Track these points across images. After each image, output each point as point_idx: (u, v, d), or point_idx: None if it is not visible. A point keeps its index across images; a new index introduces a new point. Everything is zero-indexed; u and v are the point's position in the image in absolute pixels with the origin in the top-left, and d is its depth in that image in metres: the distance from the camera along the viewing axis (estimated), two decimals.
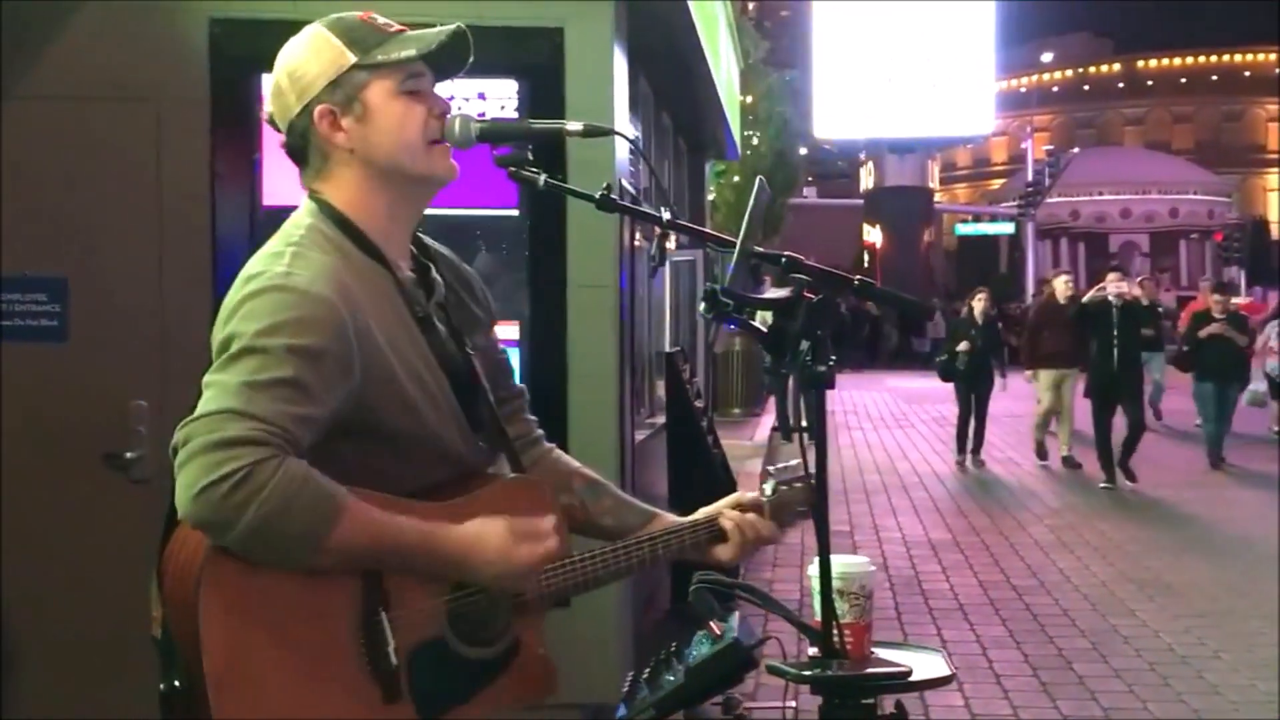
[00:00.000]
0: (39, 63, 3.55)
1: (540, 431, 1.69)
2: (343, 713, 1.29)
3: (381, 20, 1.48)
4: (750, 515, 1.62)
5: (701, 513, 1.63)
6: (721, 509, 1.63)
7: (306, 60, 1.45)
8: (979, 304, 10.38)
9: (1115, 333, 8.80)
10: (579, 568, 1.50)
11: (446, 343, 1.49)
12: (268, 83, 1.52)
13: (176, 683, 1.27)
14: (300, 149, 1.48)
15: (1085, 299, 9.38)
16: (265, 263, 1.39)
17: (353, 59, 1.43)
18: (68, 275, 3.53)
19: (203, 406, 1.28)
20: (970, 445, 10.31)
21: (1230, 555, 6.71)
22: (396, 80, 1.44)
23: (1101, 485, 8.95)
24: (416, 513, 1.36)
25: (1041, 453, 10.26)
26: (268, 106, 1.51)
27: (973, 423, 10.32)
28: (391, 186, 1.46)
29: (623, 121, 4.15)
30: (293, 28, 1.58)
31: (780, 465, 1.68)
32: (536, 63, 3.68)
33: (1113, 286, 9.06)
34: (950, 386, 10.66)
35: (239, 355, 1.30)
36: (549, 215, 3.69)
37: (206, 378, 1.32)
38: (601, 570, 1.52)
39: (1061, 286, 10.15)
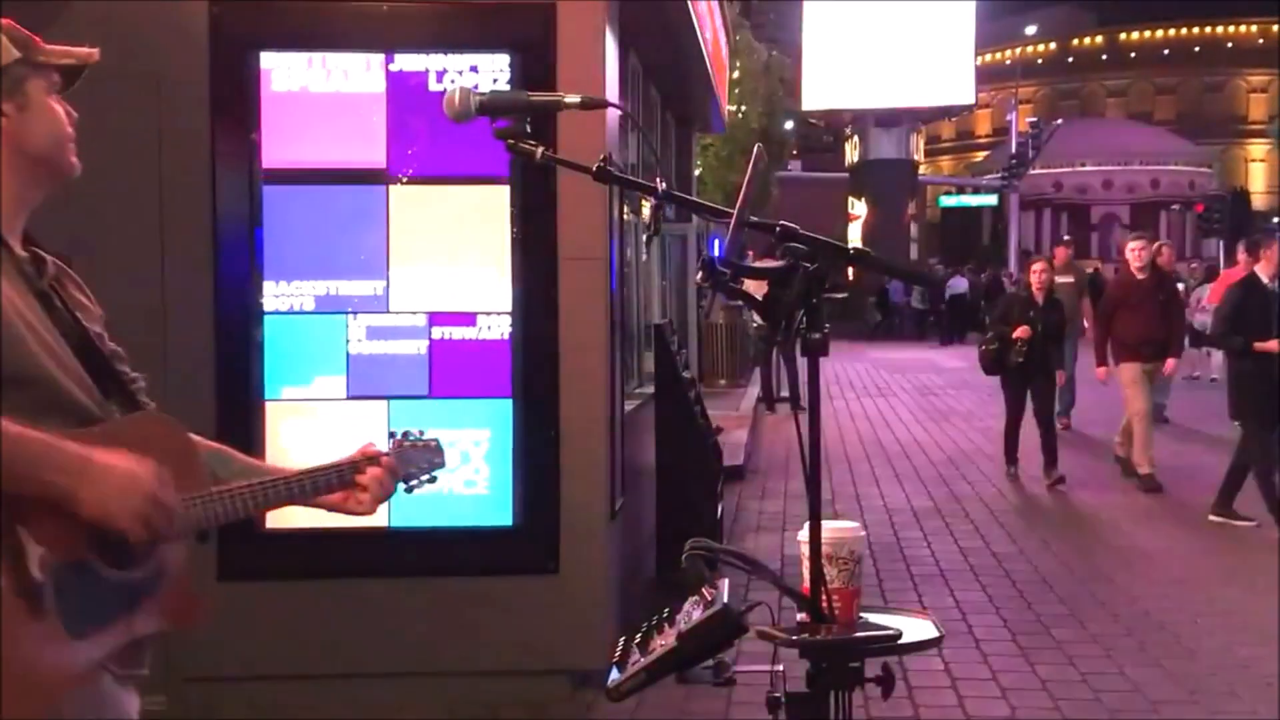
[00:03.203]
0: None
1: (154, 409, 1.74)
2: None
3: (25, 30, 1.58)
4: (378, 467, 1.70)
5: (334, 461, 1.70)
6: (357, 459, 1.70)
7: None
8: (1037, 276, 7.98)
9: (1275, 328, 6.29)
10: (214, 500, 1.56)
11: (65, 316, 1.56)
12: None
13: None
14: None
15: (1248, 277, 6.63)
16: None
17: (17, 54, 1.53)
18: (70, 252, 3.56)
19: None
20: (1043, 459, 7.87)
21: (1206, 523, 6.84)
22: (48, 82, 1.57)
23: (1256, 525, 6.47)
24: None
25: (1130, 469, 7.84)
26: None
27: (1035, 430, 7.92)
28: (27, 173, 1.54)
29: (614, 96, 4.19)
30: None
31: (407, 430, 1.80)
32: (529, 38, 3.71)
33: (1271, 261, 6.52)
34: (948, 362, 9.74)
35: None
36: (539, 188, 3.74)
37: None
38: (237, 502, 1.57)
39: (1134, 256, 7.77)
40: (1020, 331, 7.68)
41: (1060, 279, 8.81)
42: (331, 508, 1.71)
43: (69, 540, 1.41)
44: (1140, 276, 7.76)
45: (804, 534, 1.56)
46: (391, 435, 1.80)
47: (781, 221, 1.63)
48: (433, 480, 1.79)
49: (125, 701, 1.53)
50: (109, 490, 1.41)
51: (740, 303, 1.83)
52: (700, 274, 1.55)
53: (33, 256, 1.58)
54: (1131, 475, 7.83)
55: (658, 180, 1.64)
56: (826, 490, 7.89)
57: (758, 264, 1.68)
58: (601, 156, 1.63)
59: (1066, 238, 10.80)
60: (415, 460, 1.77)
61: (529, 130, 1.63)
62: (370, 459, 1.71)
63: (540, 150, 1.61)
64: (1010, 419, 8.17)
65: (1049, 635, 4.72)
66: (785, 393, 11.94)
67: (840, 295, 24.60)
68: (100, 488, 1.40)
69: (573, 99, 1.65)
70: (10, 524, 1.36)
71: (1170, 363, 7.83)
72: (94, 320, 1.64)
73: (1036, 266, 8.17)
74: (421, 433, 1.81)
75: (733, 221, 1.55)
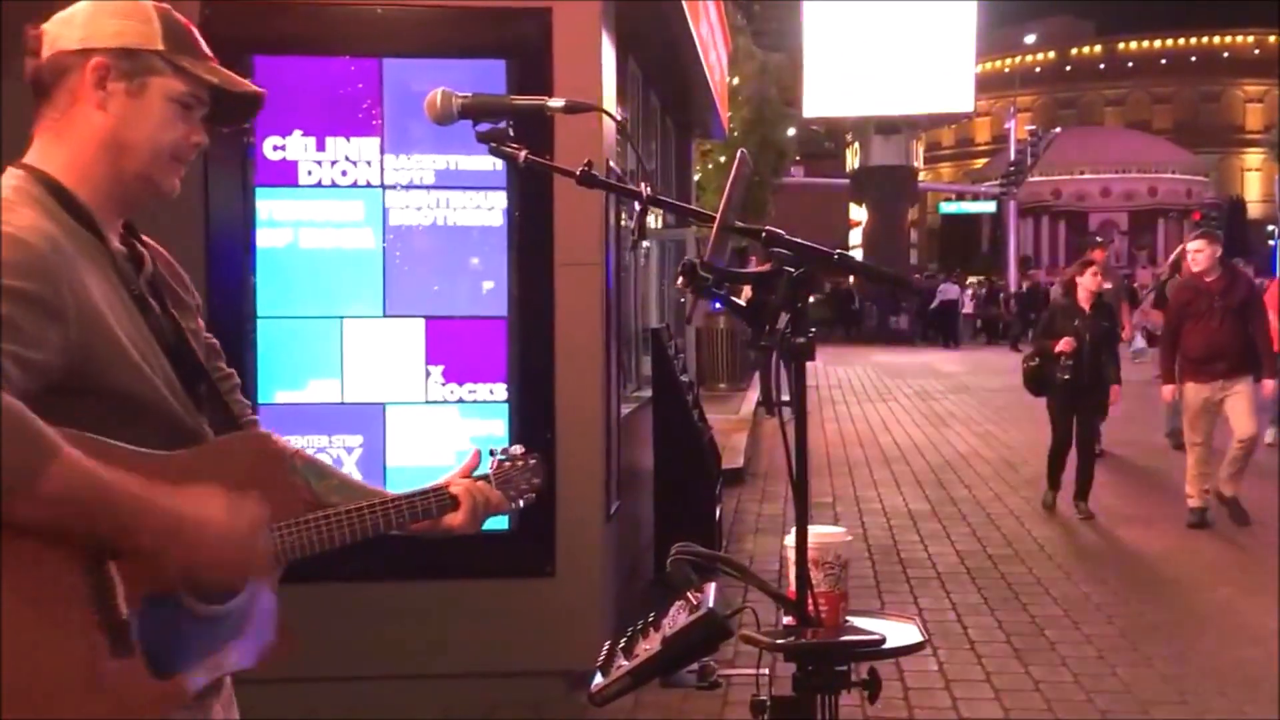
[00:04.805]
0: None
1: (255, 416, 1.66)
2: (69, 663, 1.25)
3: (203, 42, 1.50)
4: (480, 483, 1.65)
5: (430, 484, 1.65)
6: (452, 478, 1.65)
7: (117, 14, 1.42)
8: (1088, 281, 6.89)
9: None
10: (310, 528, 1.49)
11: (161, 320, 1.46)
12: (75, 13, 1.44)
13: None
14: (47, 84, 1.42)
15: None
16: None
17: (160, 46, 1.43)
18: None
19: None
20: (1075, 488, 7.04)
21: (1200, 526, 6.85)
22: (181, 90, 1.44)
23: None
24: (139, 469, 1.30)
25: (1201, 518, 6.65)
26: (47, 25, 1.43)
27: (1075, 455, 7.05)
28: (117, 169, 1.43)
29: (610, 102, 4.22)
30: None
31: (505, 448, 1.75)
32: (524, 44, 3.74)
33: None
34: (947, 366, 9.38)
35: None
36: (536, 195, 3.77)
37: None
38: (335, 531, 1.50)
39: (1194, 259, 6.63)
40: (1063, 345, 6.70)
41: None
42: (425, 531, 1.63)
43: (159, 574, 1.33)
44: (1208, 280, 6.54)
45: (790, 539, 1.56)
46: (491, 453, 1.72)
47: (767, 227, 1.62)
48: (531, 500, 1.74)
49: None
50: (201, 552, 1.32)
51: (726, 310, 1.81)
52: (681, 279, 1.53)
53: (131, 252, 1.47)
54: (1242, 519, 6.67)
55: (642, 186, 1.63)
56: (828, 494, 7.94)
57: (747, 270, 1.65)
58: (586, 161, 1.63)
59: (1099, 239, 9.61)
60: (515, 481, 1.71)
61: (511, 133, 1.62)
62: (468, 476, 1.66)
63: (524, 154, 1.60)
64: (1056, 443, 7.05)
65: (1043, 637, 4.75)
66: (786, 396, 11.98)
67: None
68: (191, 550, 1.31)
69: (556, 103, 1.63)
70: (99, 559, 1.28)
71: (1268, 384, 6.64)
72: (190, 316, 1.54)
73: (1091, 269, 6.98)
74: (523, 450, 1.74)
75: (715, 226, 1.54)
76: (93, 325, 1.32)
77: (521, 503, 1.72)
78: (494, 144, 1.61)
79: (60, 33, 1.42)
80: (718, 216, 1.56)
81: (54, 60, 1.41)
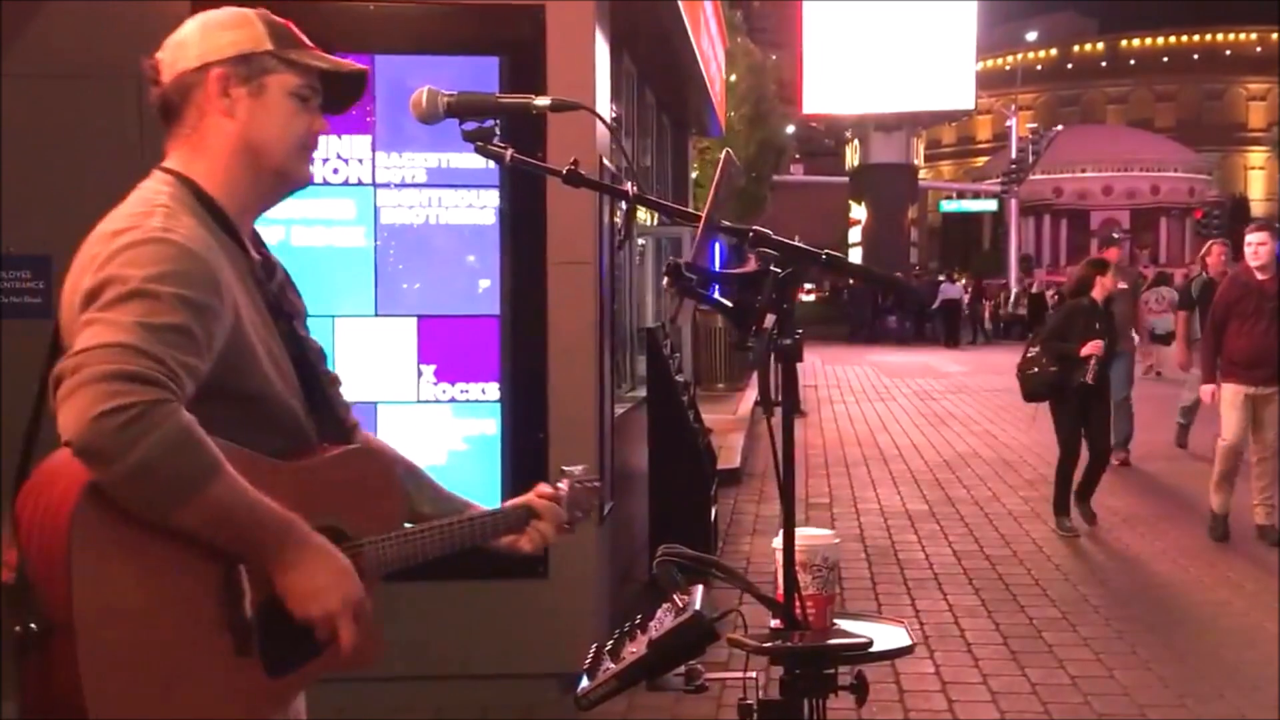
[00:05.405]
0: (24, 41, 3.57)
1: (356, 419, 1.70)
2: (198, 663, 1.31)
3: (300, 34, 1.58)
4: (556, 506, 1.77)
5: (513, 502, 1.77)
6: (532, 499, 1.76)
7: (225, 26, 1.51)
8: (1108, 281, 6.53)
9: None
10: (409, 542, 1.57)
11: (287, 326, 1.54)
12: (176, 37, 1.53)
13: (33, 625, 1.25)
14: (175, 104, 1.51)
15: None
16: (133, 220, 1.40)
17: (270, 46, 1.51)
18: (51, 253, 3.58)
19: (94, 339, 1.27)
20: (1079, 487, 6.69)
21: (1201, 526, 6.83)
22: (297, 83, 1.53)
23: None
24: (273, 479, 1.39)
25: (1221, 530, 6.38)
26: (161, 54, 1.52)
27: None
28: (254, 170, 1.51)
29: (604, 99, 4.19)
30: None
31: (573, 467, 1.84)
32: (518, 41, 3.72)
33: None
34: (947, 366, 9.29)
35: (128, 297, 1.30)
36: (528, 193, 3.75)
37: (87, 315, 1.30)
38: (430, 545, 1.60)
39: (1254, 253, 6.19)
40: (1091, 348, 6.26)
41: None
42: (503, 549, 1.73)
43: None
44: (1261, 278, 6.15)
45: (778, 541, 1.56)
46: (564, 474, 1.82)
47: (754, 226, 1.61)
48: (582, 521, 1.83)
49: None
50: (310, 589, 1.39)
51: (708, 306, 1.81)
52: (666, 279, 1.54)
53: (264, 260, 1.55)
54: (1225, 536, 6.37)
55: (629, 185, 1.62)
56: (825, 494, 7.91)
57: (730, 270, 1.64)
58: (572, 160, 1.62)
59: (1116, 235, 9.08)
60: (580, 504, 1.79)
61: (499, 132, 1.62)
62: (545, 499, 1.76)
63: (510, 153, 1.60)
64: (1067, 455, 6.57)
65: (1040, 639, 4.73)
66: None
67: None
68: (302, 586, 1.38)
69: (543, 101, 1.63)
70: (232, 561, 1.35)
71: None
72: (302, 321, 1.61)
73: (1111, 270, 6.63)
74: (586, 471, 1.83)
75: (700, 226, 1.53)
76: (238, 333, 1.41)
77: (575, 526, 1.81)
78: (480, 143, 1.61)
79: (176, 56, 1.51)
80: (703, 216, 1.55)
81: (177, 82, 1.50)
